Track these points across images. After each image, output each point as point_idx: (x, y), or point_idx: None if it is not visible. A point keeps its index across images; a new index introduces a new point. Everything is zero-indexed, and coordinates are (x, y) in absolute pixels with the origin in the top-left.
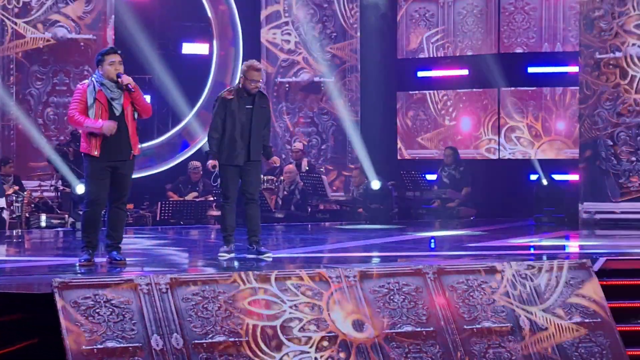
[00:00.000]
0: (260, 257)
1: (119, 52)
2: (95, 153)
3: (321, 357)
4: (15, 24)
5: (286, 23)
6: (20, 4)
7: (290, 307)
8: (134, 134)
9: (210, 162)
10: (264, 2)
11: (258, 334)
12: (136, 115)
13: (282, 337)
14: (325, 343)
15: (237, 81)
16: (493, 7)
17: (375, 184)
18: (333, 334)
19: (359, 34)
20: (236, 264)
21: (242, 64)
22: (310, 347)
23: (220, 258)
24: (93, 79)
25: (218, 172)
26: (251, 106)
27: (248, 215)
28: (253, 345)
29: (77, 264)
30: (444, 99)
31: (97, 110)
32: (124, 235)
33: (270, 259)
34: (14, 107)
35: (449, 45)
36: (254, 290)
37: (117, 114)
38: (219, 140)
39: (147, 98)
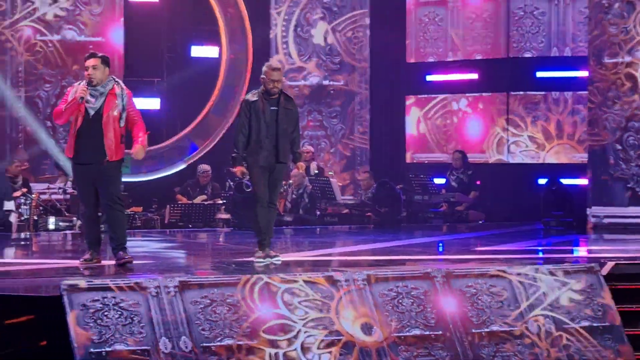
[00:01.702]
0: (269, 260)
1: (99, 55)
2: (71, 154)
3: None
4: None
5: (288, 71)
6: (34, 8)
7: (303, 323)
8: (111, 140)
9: (238, 170)
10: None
11: (279, 355)
12: (122, 124)
13: (294, 341)
14: (342, 352)
15: (246, 86)
16: (502, 11)
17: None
18: (344, 339)
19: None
20: (245, 267)
21: (251, 67)
22: (317, 347)
23: (256, 264)
24: (84, 81)
25: (246, 176)
26: (276, 107)
27: None
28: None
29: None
30: (453, 102)
31: (72, 108)
32: (132, 238)
33: (279, 262)
34: (23, 110)
35: (458, 49)
36: (262, 299)
37: (90, 114)
38: (245, 143)
39: (156, 102)
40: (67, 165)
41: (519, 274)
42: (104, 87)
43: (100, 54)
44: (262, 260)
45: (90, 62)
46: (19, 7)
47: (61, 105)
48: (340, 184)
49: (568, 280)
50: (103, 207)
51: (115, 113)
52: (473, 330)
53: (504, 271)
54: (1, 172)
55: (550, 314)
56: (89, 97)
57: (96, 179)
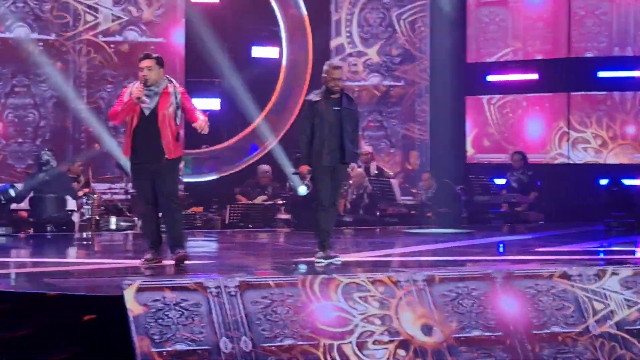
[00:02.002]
0: (330, 260)
1: (153, 56)
2: (128, 154)
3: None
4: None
5: (351, 54)
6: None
7: (361, 320)
8: (168, 138)
9: (303, 168)
10: (333, 29)
11: (334, 351)
12: (177, 121)
13: (358, 353)
14: (400, 352)
15: (306, 86)
16: (563, 11)
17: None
18: (404, 339)
19: (427, 52)
20: (305, 267)
21: (311, 68)
22: (387, 358)
23: (317, 265)
24: (139, 82)
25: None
26: (339, 108)
27: None
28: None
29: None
30: (513, 102)
31: (128, 108)
32: (193, 238)
33: (339, 263)
34: (85, 111)
35: (518, 49)
36: (321, 299)
37: (146, 114)
38: (308, 143)
39: (216, 102)
40: (128, 165)
41: (579, 276)
42: (158, 87)
43: (154, 55)
44: (322, 260)
45: (145, 63)
46: (82, 21)
47: (117, 106)
48: (392, 171)
49: (630, 282)
50: (160, 205)
51: (170, 111)
52: (534, 332)
53: (564, 272)
54: (64, 172)
55: (611, 315)
56: (144, 98)
57: (154, 178)
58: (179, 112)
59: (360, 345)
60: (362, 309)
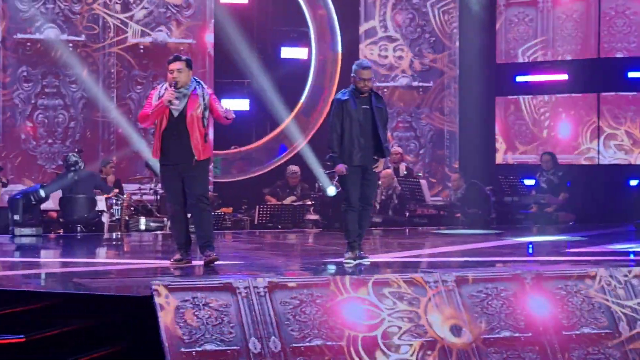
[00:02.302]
0: (359, 261)
1: (183, 58)
2: (157, 156)
3: None
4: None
5: (382, 38)
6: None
7: (389, 315)
8: (197, 139)
9: (339, 168)
10: (363, 15)
11: (359, 343)
12: (205, 123)
13: (382, 347)
14: (425, 351)
15: (335, 87)
16: (593, 11)
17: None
18: (432, 339)
19: (457, 43)
20: (334, 267)
21: (340, 68)
22: (411, 355)
23: (346, 265)
24: (167, 83)
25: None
26: (368, 106)
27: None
28: (353, 353)
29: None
30: (542, 103)
31: (158, 111)
32: (223, 239)
33: (368, 263)
34: (115, 111)
35: (548, 49)
36: (351, 295)
37: (175, 116)
38: (340, 142)
39: (245, 103)
40: (158, 166)
41: (610, 277)
42: (187, 88)
43: (184, 57)
44: (351, 261)
45: (175, 65)
46: (111, 34)
47: (146, 109)
48: (420, 174)
49: None
50: (189, 206)
51: (198, 112)
52: (563, 333)
53: (594, 273)
54: (92, 172)
55: None
56: (175, 101)
57: (184, 179)
58: (207, 114)
59: (386, 340)
60: (390, 304)
